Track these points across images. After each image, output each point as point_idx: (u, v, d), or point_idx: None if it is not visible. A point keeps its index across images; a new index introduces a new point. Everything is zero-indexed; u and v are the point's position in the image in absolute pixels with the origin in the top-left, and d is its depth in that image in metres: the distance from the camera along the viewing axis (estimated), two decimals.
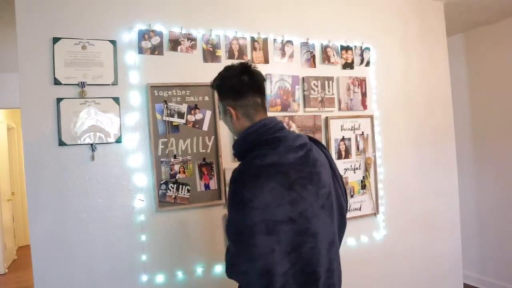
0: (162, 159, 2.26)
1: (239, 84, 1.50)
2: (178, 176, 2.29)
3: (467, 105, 4.38)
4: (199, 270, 2.33)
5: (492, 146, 4.18)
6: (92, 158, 2.12)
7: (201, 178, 2.35)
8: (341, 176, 1.68)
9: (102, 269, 2.12)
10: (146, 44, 2.27)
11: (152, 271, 2.21)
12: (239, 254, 1.37)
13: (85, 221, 2.10)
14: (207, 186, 2.37)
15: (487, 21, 4.05)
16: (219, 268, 2.37)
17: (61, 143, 2.06)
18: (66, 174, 2.07)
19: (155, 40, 2.29)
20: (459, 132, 4.08)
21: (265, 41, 2.59)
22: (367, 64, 2.96)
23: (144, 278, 2.20)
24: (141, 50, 2.26)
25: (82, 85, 2.11)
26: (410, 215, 3.09)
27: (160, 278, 2.23)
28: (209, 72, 2.36)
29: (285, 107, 2.59)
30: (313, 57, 2.74)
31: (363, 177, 2.87)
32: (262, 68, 2.52)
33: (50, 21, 2.08)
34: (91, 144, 2.12)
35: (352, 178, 2.82)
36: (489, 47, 4.17)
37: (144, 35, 2.27)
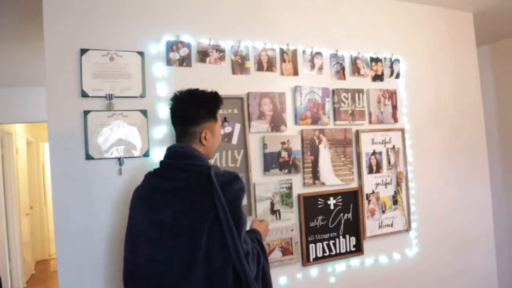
0: None
1: None
2: None
3: (494, 117, 4.26)
4: None
5: None
6: (120, 172, 2.06)
7: None
8: None
9: None
10: (174, 56, 2.22)
11: None
12: None
13: (110, 238, 2.02)
14: None
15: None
16: None
17: (88, 157, 2.00)
18: (93, 189, 2.01)
19: (183, 51, 2.24)
20: (488, 145, 3.95)
21: (294, 52, 2.53)
22: (397, 76, 2.87)
23: None
24: (169, 62, 2.21)
25: (109, 97, 2.05)
26: (442, 231, 2.98)
27: None
28: (238, 84, 2.34)
29: (315, 120, 2.52)
30: (343, 69, 2.66)
31: (395, 192, 2.77)
32: (292, 80, 2.48)
33: (78, 33, 2.04)
34: (119, 158, 2.06)
35: (384, 193, 2.72)
36: None
37: (172, 47, 2.21)
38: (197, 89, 1.73)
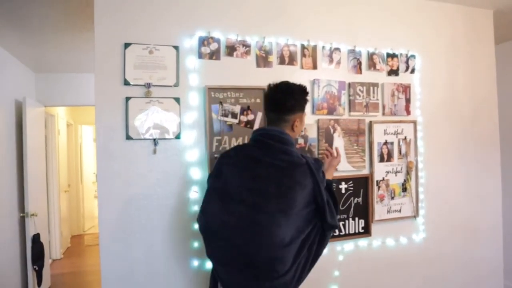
0: (216, 155, 2.46)
1: None
2: None
3: (509, 113, 4.35)
4: None
5: None
6: (154, 152, 2.35)
7: None
8: None
9: (159, 251, 2.36)
10: (205, 50, 2.49)
11: (202, 257, 2.41)
12: None
13: (146, 208, 2.33)
14: None
15: None
16: None
17: (128, 137, 2.30)
18: (131, 165, 2.31)
19: (214, 46, 2.50)
20: (503, 139, 4.07)
21: (314, 48, 2.75)
22: (412, 71, 3.05)
23: (195, 263, 2.41)
24: (200, 55, 2.48)
25: (148, 86, 2.34)
26: (450, 219, 3.16)
27: (209, 264, 2.43)
28: (262, 76, 2.58)
29: (331, 111, 2.74)
30: (360, 63, 2.87)
31: (404, 180, 2.97)
32: (311, 74, 2.71)
33: (123, 28, 2.33)
34: (154, 139, 2.35)
35: (393, 181, 2.93)
36: None
37: (203, 41, 2.48)
38: (290, 82, 2.04)
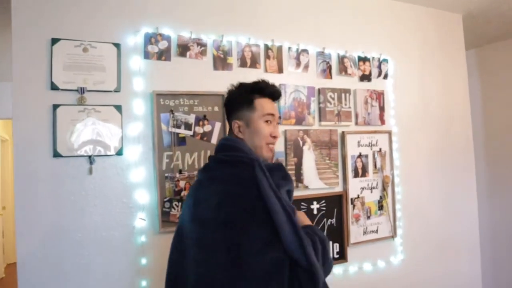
0: (166, 174, 2.06)
1: None
2: (183, 193, 2.09)
3: (480, 123, 4.21)
4: None
5: (507, 166, 4.00)
6: (90, 171, 1.92)
7: None
8: None
9: None
10: (153, 49, 2.09)
11: None
12: None
13: (80, 242, 1.89)
14: None
15: (502, 36, 3.91)
16: None
17: (56, 154, 1.86)
18: (60, 188, 1.87)
19: (163, 44, 2.11)
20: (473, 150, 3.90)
21: (280, 49, 2.42)
22: (385, 76, 2.78)
23: None
24: (147, 55, 2.08)
25: (81, 91, 1.92)
26: (428, 237, 2.90)
27: None
28: (220, 81, 2.22)
29: (299, 120, 2.41)
30: (330, 67, 2.56)
31: (380, 197, 2.67)
32: (276, 78, 2.36)
33: (49, 21, 1.90)
34: (89, 156, 1.92)
35: (369, 198, 2.63)
36: (503, 64, 4.02)
37: (150, 39, 2.09)
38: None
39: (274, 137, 1.44)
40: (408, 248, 2.77)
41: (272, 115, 1.44)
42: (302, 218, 1.40)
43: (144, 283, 1.98)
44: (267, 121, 1.42)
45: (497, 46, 4.07)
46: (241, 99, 1.45)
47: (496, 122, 4.11)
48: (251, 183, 1.23)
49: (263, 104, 1.43)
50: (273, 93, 1.47)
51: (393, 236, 2.70)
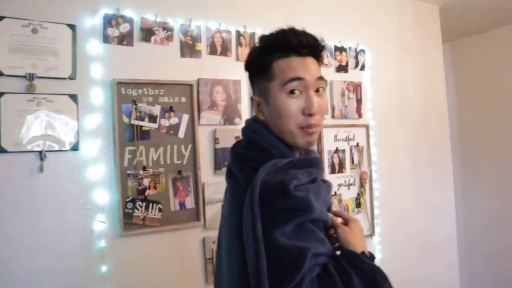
0: (128, 172, 1.86)
1: None
2: (147, 192, 1.89)
3: (455, 117, 4.16)
4: None
5: (481, 161, 3.97)
6: (41, 169, 1.70)
7: (175, 195, 1.96)
8: None
9: None
10: (113, 32, 1.88)
11: None
12: None
13: (30, 248, 1.66)
14: (182, 205, 1.98)
15: (477, 30, 3.86)
16: None
17: (1, 150, 1.63)
18: (6, 188, 1.64)
19: (124, 27, 1.91)
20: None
21: (252, 36, 2.24)
22: (362, 68, 2.66)
23: None
24: (106, 39, 1.87)
25: (30, 77, 1.69)
26: (406, 234, 2.80)
27: None
28: (187, 69, 2.04)
29: None
30: None
31: (358, 194, 2.55)
32: None
33: None
34: (40, 152, 1.69)
35: (346, 195, 2.50)
36: (477, 58, 3.98)
37: (110, 21, 1.88)
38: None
39: (310, 115, 0.94)
40: (387, 247, 2.66)
41: (300, 79, 0.95)
42: (350, 237, 0.98)
43: None
44: (291, 92, 0.95)
45: (472, 40, 4.03)
46: (256, 61, 1.02)
47: (470, 116, 4.07)
48: (239, 207, 0.90)
49: (285, 66, 0.97)
50: (301, 45, 0.99)
51: (372, 234, 2.58)
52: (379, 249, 2.62)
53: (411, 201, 2.85)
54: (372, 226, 2.58)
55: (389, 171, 2.73)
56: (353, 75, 2.61)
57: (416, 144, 2.92)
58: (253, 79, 1.05)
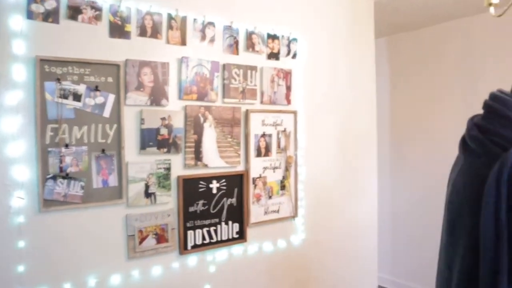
0: (50, 149, 1.88)
1: None
2: (69, 169, 1.92)
3: (387, 108, 4.39)
4: (92, 282, 1.99)
5: (408, 150, 4.23)
6: None
7: (98, 172, 2.00)
8: None
9: None
10: (38, 8, 1.87)
11: (31, 284, 1.83)
12: None
13: None
14: (105, 182, 2.02)
15: (411, 27, 4.06)
16: (117, 279, 2.04)
17: None
18: None
19: (50, 4, 1.89)
20: (378, 134, 4.05)
21: (184, 20, 2.28)
22: (294, 56, 2.75)
23: None
24: (30, 15, 1.85)
25: None
26: (329, 217, 2.96)
27: None
28: (116, 50, 2.07)
29: (201, 96, 2.31)
30: (237, 43, 2.48)
31: (283, 177, 2.67)
32: (178, 50, 2.24)
33: None
34: None
35: (271, 178, 2.61)
36: (410, 53, 4.20)
37: None
38: None
39: None
40: (309, 228, 2.81)
41: None
42: None
43: (21, 268, 1.81)
44: None
45: (407, 35, 4.23)
46: None
47: (401, 107, 4.31)
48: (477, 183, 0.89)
49: None
50: None
51: (294, 216, 2.72)
52: (302, 230, 2.76)
53: (335, 185, 3.01)
54: (295, 208, 2.71)
55: (316, 156, 2.87)
56: (284, 62, 2.70)
57: (344, 132, 3.07)
58: None
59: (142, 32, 2.15)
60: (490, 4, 2.00)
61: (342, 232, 3.04)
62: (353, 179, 3.13)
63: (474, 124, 0.97)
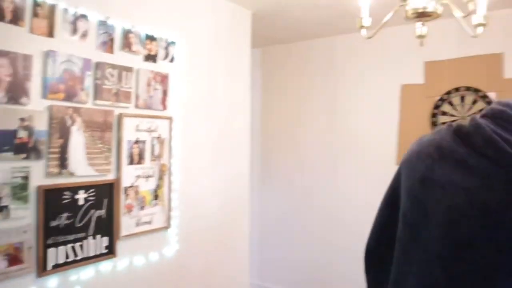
0: None
1: None
2: None
3: (258, 118, 4.48)
4: None
5: (279, 157, 4.38)
6: None
7: None
8: None
9: None
10: None
11: None
12: None
13: None
14: None
15: (283, 40, 4.23)
16: None
17: None
18: None
19: None
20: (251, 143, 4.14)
21: (52, 8, 2.01)
22: (172, 60, 2.63)
23: None
24: None
25: None
26: (204, 227, 2.89)
27: None
28: None
29: (70, 96, 2.05)
30: (112, 40, 2.27)
31: (157, 186, 2.53)
32: (44, 43, 1.97)
33: None
34: None
35: (144, 187, 2.45)
36: (282, 65, 4.37)
37: None
38: None
39: None
40: (182, 238, 2.70)
41: None
42: None
43: None
44: None
45: (280, 48, 4.39)
46: None
47: (272, 117, 4.46)
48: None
49: None
50: None
51: (168, 226, 2.59)
52: (175, 241, 2.64)
53: (210, 195, 2.95)
54: (168, 218, 2.58)
55: (191, 164, 2.78)
56: (161, 66, 2.56)
57: (219, 140, 3.04)
58: None
59: (0, 16, 1.84)
60: (362, 27, 2.13)
61: (215, 241, 3.00)
62: (226, 187, 3.11)
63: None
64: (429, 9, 1.86)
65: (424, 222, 0.88)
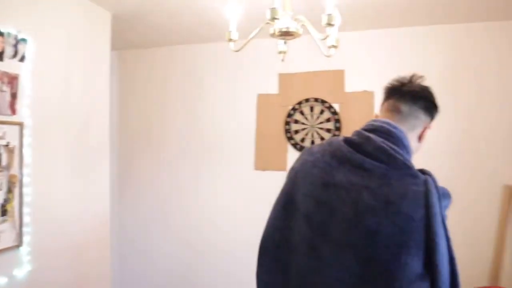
0: None
1: None
2: None
3: (115, 124, 4.30)
4: None
5: (139, 162, 4.26)
6: None
7: None
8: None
9: None
10: None
11: None
12: None
13: None
14: None
15: (143, 45, 4.14)
16: None
17: None
18: None
19: None
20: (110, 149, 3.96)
21: None
22: (22, 59, 2.38)
23: None
24: None
25: None
26: (61, 242, 2.66)
27: None
28: None
29: None
30: None
31: (5, 200, 2.25)
32: None
33: None
34: None
35: None
36: (140, 70, 4.28)
37: None
38: None
39: None
40: (36, 257, 2.43)
41: None
42: None
43: None
44: None
45: (138, 52, 4.30)
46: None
47: (132, 123, 4.32)
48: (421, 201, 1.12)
49: None
50: None
51: (19, 245, 2.31)
52: (27, 260, 2.37)
53: (67, 207, 2.73)
54: (20, 235, 2.31)
55: (45, 175, 2.54)
56: (10, 65, 2.29)
57: (77, 148, 2.83)
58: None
59: None
60: (230, 40, 2.20)
61: (74, 257, 2.78)
62: (85, 199, 2.92)
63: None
64: (292, 29, 2.01)
65: (330, 219, 1.13)
